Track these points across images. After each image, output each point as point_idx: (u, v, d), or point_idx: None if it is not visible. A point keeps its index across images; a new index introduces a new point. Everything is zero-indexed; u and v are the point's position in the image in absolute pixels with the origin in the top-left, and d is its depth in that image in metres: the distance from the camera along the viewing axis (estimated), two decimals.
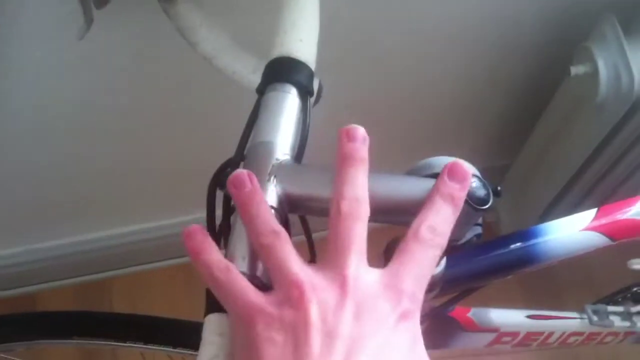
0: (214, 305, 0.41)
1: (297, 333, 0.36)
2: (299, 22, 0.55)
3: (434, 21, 1.00)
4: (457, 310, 0.77)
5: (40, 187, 1.18)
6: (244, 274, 0.40)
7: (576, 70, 0.97)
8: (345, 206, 0.40)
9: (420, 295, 0.39)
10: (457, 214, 0.42)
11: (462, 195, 0.42)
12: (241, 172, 0.42)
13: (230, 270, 0.39)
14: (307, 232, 0.57)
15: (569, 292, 1.51)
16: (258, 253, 0.40)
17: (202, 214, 0.47)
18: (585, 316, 0.96)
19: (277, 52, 0.53)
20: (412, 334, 0.38)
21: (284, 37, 0.54)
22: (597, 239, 0.61)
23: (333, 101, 0.68)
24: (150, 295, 1.50)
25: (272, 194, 0.44)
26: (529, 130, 1.27)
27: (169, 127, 1.09)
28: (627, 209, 0.62)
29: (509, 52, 1.11)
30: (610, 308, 1.01)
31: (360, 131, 0.43)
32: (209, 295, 0.41)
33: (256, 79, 0.53)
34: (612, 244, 0.62)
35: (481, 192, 0.46)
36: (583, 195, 1.18)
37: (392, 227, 0.45)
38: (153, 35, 0.86)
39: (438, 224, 0.41)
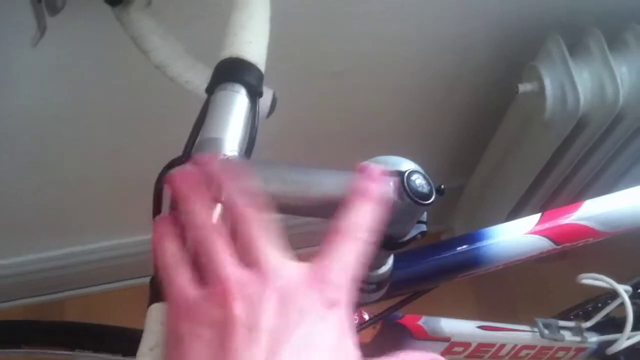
0: (157, 295, 0.40)
1: (222, 329, 0.35)
2: (248, 24, 0.56)
3: (387, 43, 1.02)
4: (407, 318, 0.78)
5: None
6: None
7: (524, 88, 1.00)
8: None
9: (346, 285, 0.39)
10: (377, 210, 0.43)
11: (378, 192, 0.43)
12: (182, 168, 0.43)
13: (179, 264, 0.39)
14: None
15: (523, 306, 1.53)
16: (194, 247, 0.40)
17: (144, 236, 0.47)
18: (536, 329, 0.98)
19: (226, 53, 0.54)
20: (339, 324, 0.37)
21: (233, 39, 0.55)
22: (542, 243, 0.62)
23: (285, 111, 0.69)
24: (104, 317, 1.47)
25: (218, 190, 0.45)
26: (482, 149, 1.29)
27: (121, 137, 1.08)
28: (570, 214, 0.63)
29: (461, 73, 1.13)
30: (562, 323, 1.03)
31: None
32: (153, 285, 0.41)
33: None
34: (557, 248, 0.63)
35: (424, 188, 0.47)
36: (536, 211, 1.21)
37: None
38: (107, 43, 0.86)
39: (359, 218, 0.41)
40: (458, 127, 1.30)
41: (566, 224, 0.63)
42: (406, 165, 0.51)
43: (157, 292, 0.41)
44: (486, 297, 1.53)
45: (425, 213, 0.52)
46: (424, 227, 0.52)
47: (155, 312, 0.40)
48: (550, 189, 1.17)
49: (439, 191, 0.49)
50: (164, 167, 0.49)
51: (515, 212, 1.26)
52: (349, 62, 1.04)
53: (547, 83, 0.98)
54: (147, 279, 0.42)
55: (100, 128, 1.05)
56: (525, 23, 1.05)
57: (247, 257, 0.38)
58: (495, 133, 1.22)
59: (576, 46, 1.01)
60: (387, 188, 0.46)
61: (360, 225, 0.41)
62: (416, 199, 0.46)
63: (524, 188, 1.18)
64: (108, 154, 1.12)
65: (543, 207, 1.22)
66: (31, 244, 1.33)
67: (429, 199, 0.47)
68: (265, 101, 0.67)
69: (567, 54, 0.98)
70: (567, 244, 0.63)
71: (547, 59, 0.99)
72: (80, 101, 0.98)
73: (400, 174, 0.47)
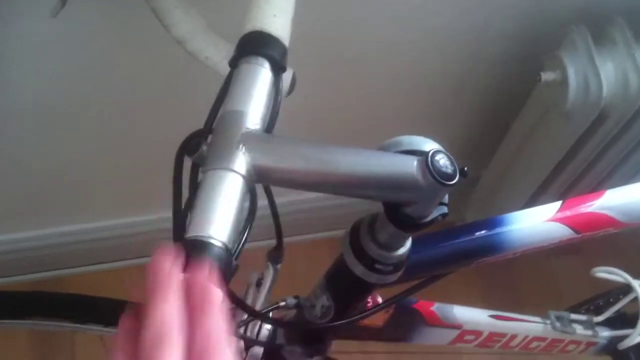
0: None
1: None
2: None
3: (407, 29, 1.01)
4: (420, 303, 0.77)
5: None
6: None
7: (546, 76, 0.98)
8: None
9: None
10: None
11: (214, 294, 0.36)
12: (162, 259, 0.36)
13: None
14: (272, 204, 0.57)
15: (531, 298, 1.52)
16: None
17: (165, 213, 0.47)
18: (548, 321, 0.97)
19: (250, 27, 0.53)
20: None
21: (257, 12, 0.54)
22: (562, 231, 0.62)
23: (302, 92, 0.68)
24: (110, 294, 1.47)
25: (240, 162, 0.44)
26: (499, 139, 1.28)
27: (134, 118, 1.08)
28: (592, 202, 0.63)
29: (482, 59, 1.13)
30: (573, 316, 1.02)
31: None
32: None
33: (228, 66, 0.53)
34: (576, 237, 0.62)
35: (448, 169, 0.47)
36: (553, 201, 1.20)
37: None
38: (127, 19, 0.86)
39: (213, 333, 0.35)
40: (476, 114, 1.29)
41: (587, 213, 0.62)
42: (430, 145, 0.50)
43: None
44: (495, 287, 1.53)
45: (446, 195, 0.51)
46: (445, 209, 0.52)
47: None
48: (569, 179, 1.16)
49: (463, 173, 0.48)
50: (187, 137, 0.48)
51: (531, 202, 1.24)
52: (365, 46, 1.03)
53: (570, 73, 0.97)
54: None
55: (113, 105, 1.05)
56: (549, 11, 1.04)
57: None
58: (514, 122, 1.21)
59: (600, 36, 1.00)
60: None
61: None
62: (440, 179, 0.46)
63: (541, 178, 1.16)
64: (122, 130, 1.12)
65: (561, 197, 1.21)
66: (38, 219, 1.33)
67: (452, 180, 0.46)
68: (285, 79, 0.67)
69: (591, 43, 0.97)
70: (588, 233, 0.63)
71: (571, 48, 0.98)
72: (95, 76, 0.97)
73: (425, 153, 0.47)
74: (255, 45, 0.52)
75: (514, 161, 1.24)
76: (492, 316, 0.86)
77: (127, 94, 1.02)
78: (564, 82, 0.98)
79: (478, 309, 0.85)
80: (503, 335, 0.89)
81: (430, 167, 0.46)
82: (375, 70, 1.09)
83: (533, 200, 1.23)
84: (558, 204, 0.63)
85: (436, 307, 0.78)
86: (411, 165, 0.47)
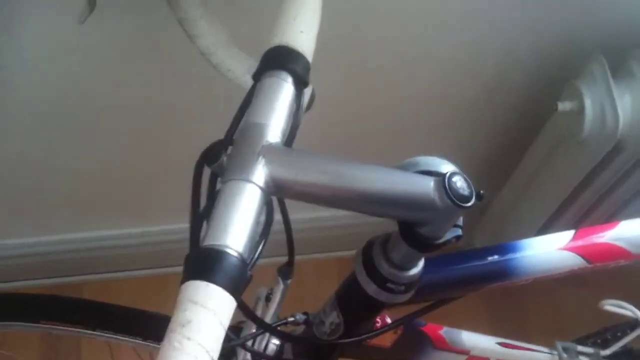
0: (190, 272, 0.40)
1: None
2: (301, 14, 0.56)
3: (427, 47, 1.02)
4: (429, 326, 0.77)
5: (16, 182, 1.17)
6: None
7: (563, 106, 0.99)
8: None
9: None
10: None
11: None
12: None
13: None
14: (285, 217, 0.58)
15: (536, 328, 1.51)
16: None
17: (180, 224, 0.47)
18: (555, 352, 0.96)
19: (277, 41, 0.54)
20: None
21: (285, 27, 0.55)
22: (574, 260, 0.62)
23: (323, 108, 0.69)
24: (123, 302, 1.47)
25: (259, 174, 0.45)
26: (513, 165, 1.28)
27: (148, 128, 1.09)
28: (605, 233, 0.63)
29: (500, 85, 1.13)
30: (580, 348, 1.01)
31: None
32: (187, 262, 0.41)
33: (250, 79, 0.54)
34: (588, 267, 0.62)
35: (465, 191, 0.47)
36: (565, 230, 1.20)
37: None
38: (154, 27, 0.87)
39: None
40: (493, 138, 1.30)
41: (600, 243, 0.63)
42: (447, 167, 0.51)
43: (189, 270, 0.41)
44: (503, 315, 1.52)
45: (461, 218, 0.52)
46: (459, 231, 0.52)
47: (187, 290, 0.40)
48: (582, 209, 1.16)
49: (479, 196, 0.49)
50: (207, 147, 0.49)
51: (543, 230, 1.24)
52: (386, 63, 1.04)
53: (588, 103, 0.97)
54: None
55: (133, 115, 1.06)
56: (569, 41, 1.04)
57: None
58: (529, 148, 1.21)
59: (619, 69, 1.00)
60: None
61: None
62: (456, 200, 0.46)
63: (554, 206, 1.16)
64: (140, 139, 1.13)
65: (574, 227, 1.20)
66: (62, 224, 1.34)
67: (468, 202, 0.47)
68: (305, 94, 0.68)
69: (609, 75, 0.97)
70: (599, 263, 0.62)
71: (589, 78, 0.99)
72: (116, 85, 0.99)
73: (442, 175, 0.47)
74: (280, 59, 0.53)
75: (527, 187, 1.24)
76: (499, 343, 0.85)
77: (147, 103, 1.03)
78: (580, 112, 0.98)
79: (486, 335, 0.85)
80: None
81: (447, 188, 0.46)
82: (394, 88, 1.10)
83: (545, 228, 1.23)
84: (571, 232, 0.63)
85: (444, 331, 0.78)
86: (428, 185, 0.47)
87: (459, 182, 0.47)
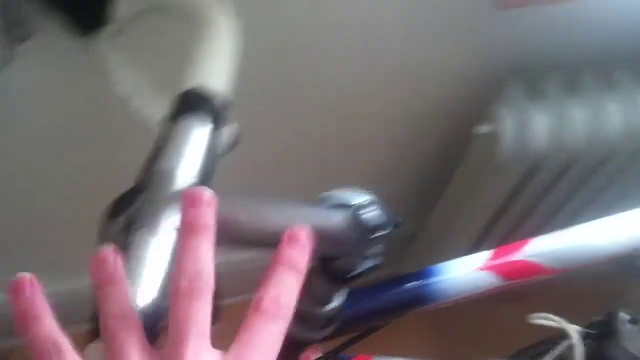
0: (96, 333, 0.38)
1: None
2: (213, 55, 0.57)
3: (348, 78, 1.04)
4: (359, 358, 0.77)
5: None
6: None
7: (482, 130, 1.02)
8: (183, 283, 0.36)
9: None
10: (301, 280, 0.39)
11: (303, 262, 0.40)
12: (105, 251, 0.38)
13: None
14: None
15: (478, 347, 1.53)
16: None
17: None
18: None
19: (190, 83, 0.55)
20: None
21: (196, 69, 0.56)
22: (492, 279, 0.63)
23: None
24: None
25: (172, 221, 0.44)
26: (439, 193, 1.31)
27: (83, 169, 1.07)
28: (520, 251, 0.65)
29: (423, 112, 1.15)
30: None
31: (206, 195, 0.39)
32: (93, 322, 0.39)
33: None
34: (505, 285, 0.64)
35: (378, 220, 0.48)
36: None
37: None
38: (76, 71, 0.86)
39: (282, 294, 0.38)
40: (418, 167, 1.32)
41: (516, 261, 0.64)
42: (362, 197, 0.52)
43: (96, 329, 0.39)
44: (440, 339, 1.53)
45: (380, 246, 0.53)
46: (378, 261, 0.53)
47: (93, 352, 0.38)
48: (506, 230, 1.19)
49: (397, 224, 0.50)
50: (117, 198, 0.48)
51: (472, 252, 1.27)
52: (307, 96, 1.05)
53: (504, 126, 1.00)
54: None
55: (58, 160, 1.04)
56: (485, 65, 1.07)
57: (166, 348, 0.36)
58: (455, 174, 1.24)
59: (534, 90, 1.04)
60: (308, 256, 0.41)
61: (285, 303, 0.38)
62: (365, 231, 0.47)
63: (479, 229, 1.19)
64: (66, 187, 1.11)
65: None
66: None
67: (381, 231, 0.48)
68: (228, 133, 0.68)
69: (524, 98, 1.01)
70: (517, 281, 0.64)
71: (505, 102, 1.02)
72: (39, 129, 0.97)
73: (351, 206, 0.48)
74: (194, 102, 0.53)
75: (454, 213, 1.26)
76: None
77: (71, 146, 1.02)
78: (498, 135, 1.01)
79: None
80: None
81: (357, 220, 0.47)
82: (316, 123, 1.11)
83: (474, 250, 1.25)
84: (489, 252, 0.65)
85: None
86: (340, 218, 0.48)
87: (372, 212, 0.48)
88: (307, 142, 1.16)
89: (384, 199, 0.52)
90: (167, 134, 0.52)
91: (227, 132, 0.68)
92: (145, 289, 0.41)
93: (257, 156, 1.06)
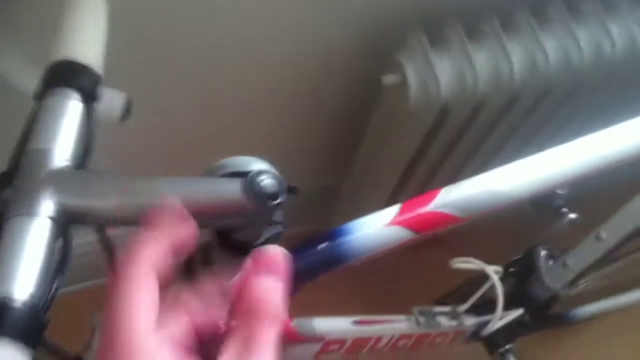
0: None
1: None
2: (81, 25, 0.53)
3: (246, 46, 1.01)
4: None
5: None
6: None
7: (387, 80, 1.00)
8: None
9: None
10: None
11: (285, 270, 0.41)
12: None
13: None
14: (104, 241, 0.54)
15: (407, 295, 1.55)
16: None
17: None
18: (412, 318, 0.99)
19: (57, 56, 0.50)
20: None
21: (64, 40, 0.51)
22: (402, 233, 0.62)
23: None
24: None
25: (47, 205, 0.41)
26: (357, 144, 1.30)
27: None
28: (428, 203, 0.64)
29: (326, 70, 1.13)
30: (437, 309, 1.04)
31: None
32: None
33: None
34: (417, 237, 0.63)
35: (271, 188, 0.46)
36: None
37: None
38: None
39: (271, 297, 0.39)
40: (330, 124, 1.30)
41: (425, 213, 0.63)
42: (256, 165, 0.49)
43: None
44: (368, 290, 1.55)
45: (280, 213, 0.50)
46: (279, 228, 0.51)
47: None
48: (423, 176, 1.19)
49: (291, 190, 0.47)
50: None
51: (391, 203, 1.27)
52: (206, 63, 1.01)
53: (409, 74, 0.99)
54: None
55: None
56: (386, 16, 1.06)
57: None
58: (368, 127, 1.23)
59: (437, 37, 1.03)
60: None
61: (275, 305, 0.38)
62: (262, 199, 0.44)
63: (395, 179, 1.19)
64: None
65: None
66: None
67: (276, 199, 0.45)
68: (116, 105, 0.64)
69: (427, 45, 0.99)
70: (427, 232, 0.63)
71: (408, 50, 1.01)
72: None
73: (245, 174, 0.45)
74: (62, 75, 0.49)
75: (371, 165, 1.26)
76: (355, 322, 0.86)
77: None
78: (404, 84, 1.00)
79: (340, 317, 0.85)
80: (369, 339, 0.89)
81: (251, 188, 0.45)
82: (213, 87, 1.07)
83: (392, 200, 1.26)
84: (397, 207, 0.63)
85: (295, 323, 0.77)
86: (235, 188, 0.45)
87: (265, 181, 0.46)
88: (203, 111, 1.13)
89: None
90: (36, 111, 0.47)
91: (116, 103, 0.64)
92: (21, 282, 0.38)
93: (152, 130, 1.02)
